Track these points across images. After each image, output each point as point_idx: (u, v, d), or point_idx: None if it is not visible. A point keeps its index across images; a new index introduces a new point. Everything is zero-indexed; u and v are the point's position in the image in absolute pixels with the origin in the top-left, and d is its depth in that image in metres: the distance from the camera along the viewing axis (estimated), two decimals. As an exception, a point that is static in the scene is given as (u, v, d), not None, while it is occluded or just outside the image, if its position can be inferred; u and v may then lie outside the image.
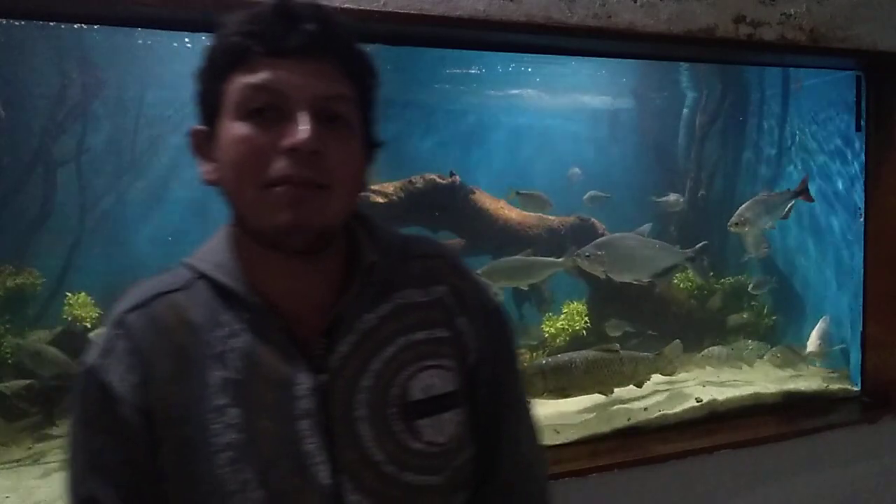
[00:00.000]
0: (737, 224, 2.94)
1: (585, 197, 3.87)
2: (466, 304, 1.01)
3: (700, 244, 3.02)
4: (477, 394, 1.02)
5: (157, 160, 4.10)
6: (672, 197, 3.90)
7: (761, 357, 3.16)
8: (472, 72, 4.19)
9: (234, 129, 0.84)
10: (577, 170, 3.85)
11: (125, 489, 0.89)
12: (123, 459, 0.88)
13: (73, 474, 0.91)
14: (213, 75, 0.87)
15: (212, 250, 0.95)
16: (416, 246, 1.04)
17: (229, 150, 0.85)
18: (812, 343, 2.95)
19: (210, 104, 0.88)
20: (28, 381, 2.61)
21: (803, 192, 2.97)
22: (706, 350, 3.09)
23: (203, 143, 0.90)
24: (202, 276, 0.93)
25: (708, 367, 3.03)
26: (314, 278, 0.93)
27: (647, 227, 2.94)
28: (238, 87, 0.84)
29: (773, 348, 3.13)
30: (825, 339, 2.95)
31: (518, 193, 3.45)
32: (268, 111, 0.83)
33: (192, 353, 0.89)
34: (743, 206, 2.98)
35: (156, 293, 0.93)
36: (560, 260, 3.07)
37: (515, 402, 1.08)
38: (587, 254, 2.82)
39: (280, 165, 0.82)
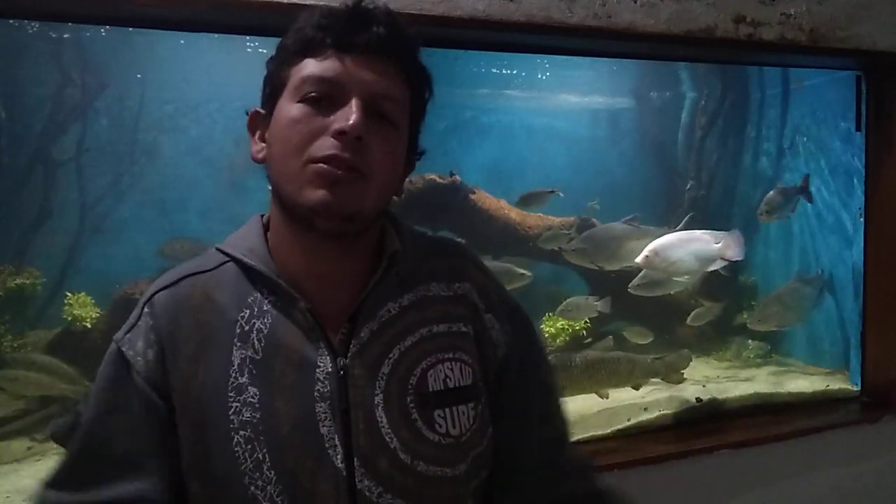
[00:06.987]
0: (767, 213, 2.93)
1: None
2: (492, 302, 1.05)
3: (685, 218, 2.92)
4: (507, 381, 1.04)
5: (158, 160, 4.10)
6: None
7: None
8: (474, 70, 4.20)
9: (291, 110, 0.89)
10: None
11: (127, 456, 0.90)
12: (130, 428, 0.91)
13: (84, 423, 0.93)
14: (282, 61, 0.93)
15: (242, 237, 1.00)
16: (440, 244, 1.08)
17: (282, 128, 0.90)
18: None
19: (273, 88, 0.94)
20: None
21: (805, 189, 3.00)
22: (565, 302, 3.02)
23: (258, 125, 0.97)
24: (232, 259, 0.96)
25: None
26: (342, 266, 0.96)
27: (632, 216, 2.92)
28: (302, 74, 0.90)
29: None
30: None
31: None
32: (324, 100, 0.88)
33: (216, 333, 0.92)
34: (767, 195, 2.97)
35: (185, 274, 0.97)
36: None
37: (546, 384, 1.10)
38: (573, 247, 2.82)
39: (325, 144, 0.87)
